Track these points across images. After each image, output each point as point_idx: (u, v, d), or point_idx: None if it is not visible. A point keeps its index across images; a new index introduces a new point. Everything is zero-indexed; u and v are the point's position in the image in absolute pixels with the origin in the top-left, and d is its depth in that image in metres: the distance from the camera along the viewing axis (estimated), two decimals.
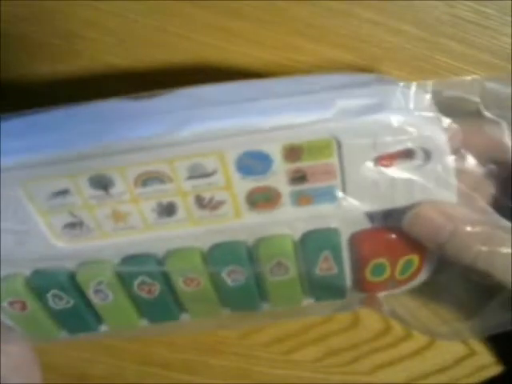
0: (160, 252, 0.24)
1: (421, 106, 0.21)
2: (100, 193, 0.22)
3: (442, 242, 0.21)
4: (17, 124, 0.21)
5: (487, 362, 0.32)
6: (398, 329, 0.33)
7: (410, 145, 0.21)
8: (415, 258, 0.24)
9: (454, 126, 0.21)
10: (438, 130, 0.21)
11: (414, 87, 0.21)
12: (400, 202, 0.22)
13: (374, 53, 0.28)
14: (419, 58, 0.28)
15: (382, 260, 0.24)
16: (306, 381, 0.34)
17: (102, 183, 0.21)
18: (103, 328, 0.26)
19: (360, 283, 0.25)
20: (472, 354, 0.32)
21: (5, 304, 0.24)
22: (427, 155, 0.21)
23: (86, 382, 0.35)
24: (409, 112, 0.20)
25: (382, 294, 0.26)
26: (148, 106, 0.21)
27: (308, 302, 0.26)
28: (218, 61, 0.29)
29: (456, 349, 0.32)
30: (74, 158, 0.20)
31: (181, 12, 0.27)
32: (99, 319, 0.26)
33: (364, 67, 0.29)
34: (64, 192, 0.21)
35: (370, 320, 0.33)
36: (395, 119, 0.20)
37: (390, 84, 0.21)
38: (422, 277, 0.25)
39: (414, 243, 0.23)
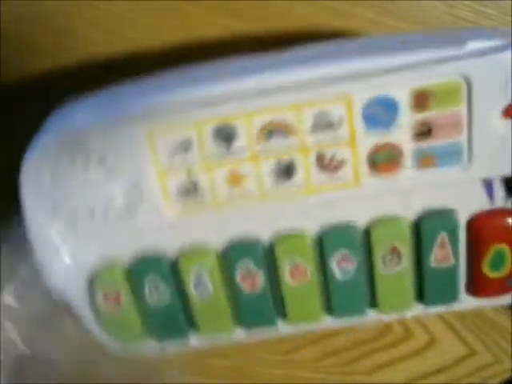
0: (267, 237, 0.22)
1: None
2: (222, 148, 0.21)
3: None
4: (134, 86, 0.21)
5: (487, 362, 0.32)
6: (397, 329, 0.33)
7: None
8: None
9: None
10: None
11: None
12: None
13: None
14: None
15: (502, 246, 0.22)
16: (306, 381, 0.34)
17: (225, 135, 0.21)
18: (193, 337, 0.25)
19: (476, 281, 0.23)
20: (472, 354, 0.32)
21: (100, 298, 0.23)
22: None
23: (87, 381, 0.35)
24: None
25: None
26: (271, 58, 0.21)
27: (416, 308, 0.24)
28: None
29: (456, 349, 0.32)
30: (202, 101, 0.20)
31: (181, 12, 0.27)
32: (192, 323, 0.24)
33: None
34: (187, 144, 0.21)
35: None
36: None
37: None
38: None
39: None
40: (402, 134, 0.21)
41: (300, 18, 0.28)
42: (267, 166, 0.21)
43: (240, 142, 0.21)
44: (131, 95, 0.21)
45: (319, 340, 0.33)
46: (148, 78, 0.22)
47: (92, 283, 0.23)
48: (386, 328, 0.33)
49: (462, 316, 0.31)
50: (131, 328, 0.24)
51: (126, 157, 0.21)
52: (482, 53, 0.19)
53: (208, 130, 0.21)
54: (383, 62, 0.19)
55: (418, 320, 0.32)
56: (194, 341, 0.25)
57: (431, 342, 0.32)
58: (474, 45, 0.19)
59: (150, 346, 0.25)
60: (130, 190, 0.21)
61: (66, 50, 0.28)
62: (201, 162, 0.21)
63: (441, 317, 0.32)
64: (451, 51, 0.19)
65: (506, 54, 0.19)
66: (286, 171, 0.21)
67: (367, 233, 0.22)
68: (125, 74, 0.29)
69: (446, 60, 0.19)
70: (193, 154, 0.21)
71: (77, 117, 0.21)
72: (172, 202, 0.22)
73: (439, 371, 0.33)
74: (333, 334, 0.33)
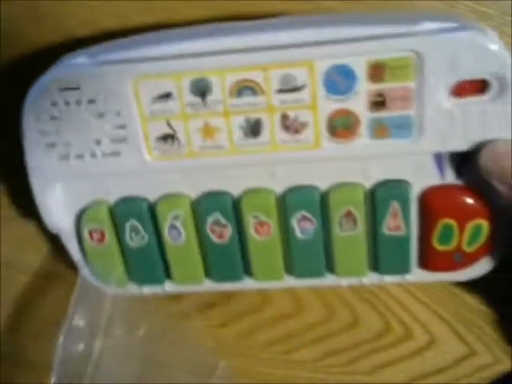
0: (236, 192, 0.25)
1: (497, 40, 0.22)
2: (197, 100, 0.23)
3: None
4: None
5: (487, 362, 0.32)
6: (397, 329, 0.33)
7: (486, 75, 0.21)
8: (484, 225, 0.24)
9: None
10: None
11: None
12: (473, 140, 0.22)
13: None
14: None
15: (450, 221, 0.24)
16: (306, 381, 0.34)
17: (201, 88, 0.23)
18: (168, 285, 0.28)
19: (425, 254, 0.25)
20: (472, 353, 0.32)
21: (85, 233, 0.26)
22: (502, 87, 0.21)
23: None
24: (490, 38, 0.21)
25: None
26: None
27: (372, 276, 0.26)
28: None
29: (456, 349, 0.32)
30: (181, 55, 0.23)
31: (180, 12, 0.27)
32: (167, 271, 0.27)
33: None
34: (166, 95, 0.23)
35: (370, 320, 0.33)
36: (479, 39, 0.21)
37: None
38: (488, 264, 0.25)
39: (484, 206, 0.23)
40: (358, 102, 0.23)
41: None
42: (237, 122, 0.24)
43: (214, 96, 0.23)
44: (121, 47, 0.24)
45: (319, 340, 0.33)
46: (139, 36, 0.24)
47: (80, 219, 0.26)
48: (386, 328, 0.33)
49: (462, 316, 0.31)
50: (113, 268, 0.27)
51: (113, 100, 0.24)
52: (434, 32, 0.21)
53: (186, 82, 0.23)
54: (342, 33, 0.22)
55: (418, 320, 0.32)
56: (170, 288, 0.28)
57: (431, 342, 0.32)
58: (427, 25, 0.21)
59: (131, 288, 0.28)
60: (115, 130, 0.24)
61: (65, 50, 0.28)
62: (179, 111, 0.24)
63: (441, 317, 0.32)
64: (406, 28, 0.21)
65: (456, 35, 0.21)
66: (254, 128, 0.24)
67: (326, 196, 0.24)
68: None
69: (400, 36, 0.21)
70: (172, 104, 0.24)
71: (72, 64, 0.24)
72: (152, 146, 0.24)
73: (439, 371, 0.33)
74: (333, 333, 0.33)
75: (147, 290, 0.28)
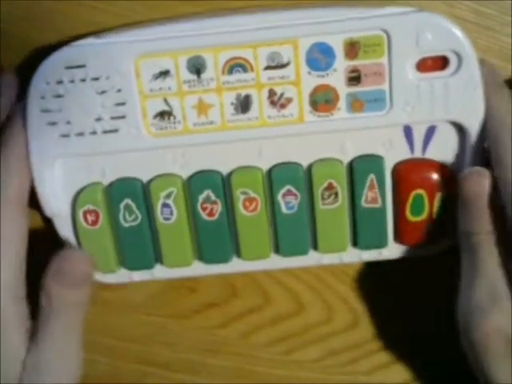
0: (226, 170, 0.27)
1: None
2: (193, 77, 0.25)
3: None
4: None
5: None
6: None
7: (446, 52, 0.25)
8: (451, 197, 0.26)
9: None
10: (468, 39, 0.25)
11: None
12: (438, 112, 0.26)
13: None
14: None
15: (421, 191, 0.27)
16: (306, 381, 0.34)
17: (197, 65, 0.25)
18: (158, 269, 0.29)
19: (400, 226, 0.28)
20: None
21: (80, 214, 0.27)
22: (460, 62, 0.25)
23: (85, 381, 0.35)
24: (447, 20, 0.25)
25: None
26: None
27: (352, 253, 0.29)
28: None
29: None
30: (178, 36, 0.25)
31: (181, 12, 0.27)
32: (157, 255, 0.29)
33: None
34: (165, 73, 0.25)
35: (370, 320, 0.33)
36: (437, 18, 0.24)
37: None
38: (449, 239, 0.27)
39: (451, 179, 0.26)
40: (337, 78, 0.25)
41: None
42: (229, 98, 0.26)
43: (208, 73, 0.25)
44: (125, 30, 0.26)
45: (319, 340, 0.33)
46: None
47: (75, 201, 0.27)
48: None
49: None
50: (104, 252, 0.28)
51: (115, 77, 0.25)
52: (399, 13, 0.24)
53: (183, 60, 0.25)
54: (322, 15, 0.25)
55: None
56: (159, 273, 0.29)
57: None
58: (393, 9, 0.25)
59: (121, 275, 0.29)
60: (116, 107, 0.26)
61: None
62: (176, 89, 0.26)
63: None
64: (375, 11, 0.25)
65: (417, 15, 0.24)
66: (244, 104, 0.26)
67: (309, 171, 0.27)
68: None
69: (371, 17, 0.24)
70: (169, 82, 0.25)
71: (80, 43, 0.25)
72: (149, 123, 0.26)
73: None
74: (333, 333, 0.33)
75: (137, 276, 0.29)
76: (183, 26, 0.25)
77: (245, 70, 0.25)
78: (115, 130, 0.26)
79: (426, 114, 0.26)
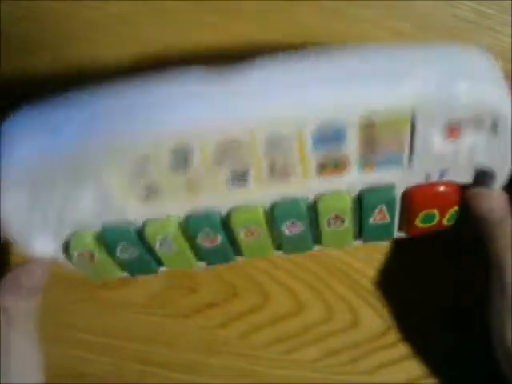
0: (224, 209, 0.25)
1: (493, 74, 0.21)
2: (180, 165, 0.22)
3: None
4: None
5: None
6: (398, 329, 0.33)
7: (479, 114, 0.21)
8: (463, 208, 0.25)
9: None
10: (507, 100, 0.21)
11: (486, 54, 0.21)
12: (461, 163, 0.23)
13: None
14: None
15: (432, 210, 0.25)
16: (306, 381, 0.34)
17: (183, 153, 0.22)
18: (161, 269, 0.28)
19: (409, 228, 0.26)
20: None
21: (74, 255, 0.25)
22: (494, 125, 0.21)
23: (85, 381, 0.35)
24: (482, 81, 0.21)
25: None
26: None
27: (357, 243, 0.27)
28: (217, 61, 0.29)
29: None
30: (160, 126, 0.21)
31: (181, 12, 0.27)
32: (160, 263, 0.27)
33: None
34: (147, 163, 0.22)
35: (370, 320, 0.33)
36: (476, 92, 0.21)
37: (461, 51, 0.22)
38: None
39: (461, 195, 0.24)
40: (349, 149, 0.22)
41: (299, 17, 0.28)
42: (223, 176, 0.23)
43: (196, 159, 0.22)
44: (94, 123, 0.21)
45: (319, 340, 0.33)
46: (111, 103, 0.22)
47: (67, 247, 0.25)
48: (386, 328, 0.33)
49: None
50: (105, 270, 0.27)
51: (90, 180, 0.22)
52: (427, 88, 0.20)
53: (166, 149, 0.22)
54: (332, 94, 0.21)
55: None
56: (161, 271, 0.28)
57: None
58: (419, 79, 0.20)
59: (124, 276, 0.28)
60: (98, 199, 0.23)
61: (66, 50, 0.28)
62: (161, 177, 0.23)
63: None
64: (398, 89, 0.20)
65: (447, 89, 0.20)
66: (241, 178, 0.23)
67: (314, 205, 0.24)
68: (124, 74, 0.29)
69: (393, 96, 0.21)
70: (153, 172, 0.22)
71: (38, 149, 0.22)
72: (135, 205, 0.24)
73: None
74: (333, 333, 0.33)
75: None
76: (162, 115, 0.21)
77: (240, 152, 0.22)
78: (99, 217, 0.24)
79: (446, 169, 0.23)
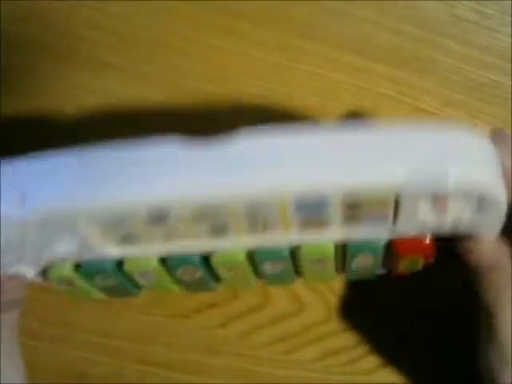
0: (204, 251, 0.24)
1: (484, 156, 0.21)
2: (157, 224, 0.22)
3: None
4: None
5: None
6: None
7: (467, 193, 0.21)
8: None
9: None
10: (499, 181, 0.21)
11: (476, 136, 0.21)
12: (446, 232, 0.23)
13: (374, 53, 0.28)
14: (419, 58, 0.28)
15: (417, 257, 0.25)
16: (306, 381, 0.34)
17: (160, 214, 0.21)
18: (143, 293, 0.28)
19: (392, 271, 0.26)
20: None
21: (54, 283, 0.25)
22: (482, 202, 0.21)
23: (85, 381, 0.35)
24: (473, 164, 0.21)
25: None
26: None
27: (340, 276, 0.27)
28: (218, 61, 0.29)
29: None
30: (138, 193, 0.21)
31: (181, 12, 0.27)
32: (141, 288, 0.28)
33: (364, 67, 0.29)
34: (122, 223, 0.22)
35: (371, 319, 0.33)
36: (457, 172, 0.20)
37: (454, 132, 0.21)
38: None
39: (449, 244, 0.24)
40: (331, 215, 0.22)
41: (299, 17, 0.28)
42: (202, 228, 0.22)
43: (174, 217, 0.22)
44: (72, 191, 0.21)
45: (319, 340, 0.33)
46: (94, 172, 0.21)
47: (45, 274, 0.25)
48: None
49: None
50: (86, 293, 0.27)
51: (66, 233, 0.22)
52: (415, 170, 0.20)
53: (144, 209, 0.21)
54: (318, 172, 0.20)
55: None
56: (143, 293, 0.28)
57: None
58: (407, 161, 0.20)
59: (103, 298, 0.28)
60: (74, 243, 0.23)
61: (66, 50, 0.28)
62: (137, 229, 0.22)
63: None
64: (385, 173, 0.20)
65: (435, 170, 0.20)
66: (220, 231, 0.23)
67: (296, 248, 0.24)
68: (125, 74, 0.29)
69: (377, 176, 0.20)
70: (130, 225, 0.22)
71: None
72: (113, 247, 0.23)
73: None
74: (333, 333, 0.33)
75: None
76: (144, 186, 0.20)
77: (219, 214, 0.22)
78: (79, 257, 0.24)
79: (431, 231, 0.23)
